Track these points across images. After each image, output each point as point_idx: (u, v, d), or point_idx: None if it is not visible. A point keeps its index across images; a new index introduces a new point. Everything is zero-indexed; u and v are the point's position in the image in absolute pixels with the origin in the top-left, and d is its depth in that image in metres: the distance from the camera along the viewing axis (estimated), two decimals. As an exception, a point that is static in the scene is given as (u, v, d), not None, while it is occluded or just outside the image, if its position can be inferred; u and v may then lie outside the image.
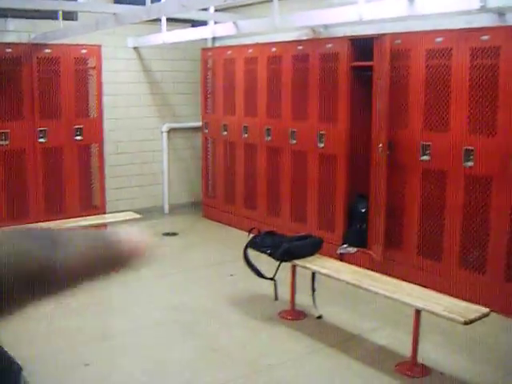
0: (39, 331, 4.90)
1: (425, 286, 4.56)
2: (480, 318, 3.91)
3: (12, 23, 7.58)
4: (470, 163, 5.25)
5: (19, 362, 1.50)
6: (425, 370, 4.20)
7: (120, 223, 7.50)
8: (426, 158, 5.58)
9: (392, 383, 4.07)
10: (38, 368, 4.23)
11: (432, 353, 4.44)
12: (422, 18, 5.57)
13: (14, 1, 6.33)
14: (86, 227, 6.70)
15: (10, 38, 7.50)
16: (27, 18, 7.63)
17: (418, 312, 4.13)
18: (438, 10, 4.98)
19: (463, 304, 4.07)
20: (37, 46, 7.29)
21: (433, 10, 5.01)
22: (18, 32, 7.61)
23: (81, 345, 4.65)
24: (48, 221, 6.90)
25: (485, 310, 4.01)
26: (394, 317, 5.09)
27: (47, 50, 7.34)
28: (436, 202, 5.58)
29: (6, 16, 7.50)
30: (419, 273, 5.68)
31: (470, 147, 5.23)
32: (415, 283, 4.62)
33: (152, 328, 5.02)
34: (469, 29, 5.30)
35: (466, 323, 3.82)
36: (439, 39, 5.39)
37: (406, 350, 4.32)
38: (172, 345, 4.71)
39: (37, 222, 6.99)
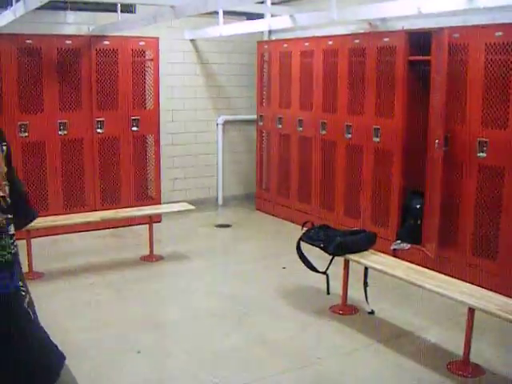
0: (95, 318, 5.01)
1: (479, 285, 4.48)
2: (535, 319, 3.84)
3: (72, 16, 7.72)
4: (529, 161, 5.15)
5: (63, 352, 1.61)
6: (477, 370, 4.14)
7: (175, 214, 7.60)
8: (482, 154, 5.49)
9: (443, 382, 4.03)
10: (91, 353, 4.34)
11: (485, 352, 4.37)
12: (481, 11, 5.46)
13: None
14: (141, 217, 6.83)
15: (70, 31, 7.65)
16: (86, 10, 7.77)
17: (471, 310, 4.07)
18: (498, 3, 4.88)
19: (518, 304, 4.00)
20: (95, 38, 7.41)
21: (493, 4, 4.90)
22: (77, 24, 7.75)
23: (133, 332, 4.73)
24: (104, 210, 7.04)
25: (540, 310, 3.93)
26: (446, 315, 5.04)
27: (106, 42, 7.46)
28: (492, 199, 5.48)
29: (65, 9, 7.64)
30: (473, 271, 5.59)
31: (529, 144, 5.13)
32: (469, 282, 4.55)
33: (203, 318, 5.07)
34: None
35: (520, 323, 3.75)
36: (499, 33, 5.27)
37: (458, 349, 4.27)
38: (222, 335, 4.75)
39: (93, 210, 7.14)
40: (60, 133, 7.28)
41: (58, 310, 5.08)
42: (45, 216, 6.22)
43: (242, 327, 4.93)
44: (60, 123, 7.26)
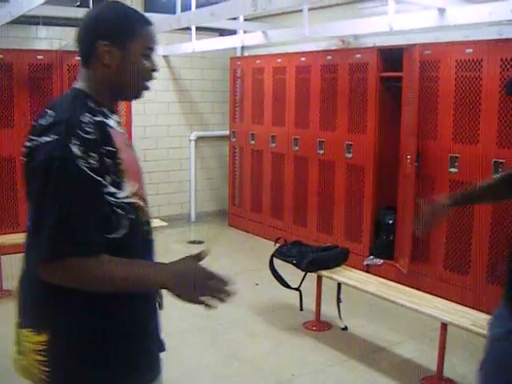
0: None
1: (451, 300, 4.50)
2: (508, 334, 3.85)
3: (43, 31, 7.68)
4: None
5: None
6: (451, 385, 4.15)
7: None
8: (454, 170, 5.53)
9: (417, 397, 4.03)
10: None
11: (458, 367, 4.38)
12: (452, 28, 5.53)
13: (45, 8, 6.40)
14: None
15: (42, 45, 7.60)
16: (58, 25, 7.72)
17: (444, 326, 4.08)
18: (468, 20, 4.95)
19: (491, 318, 4.01)
20: (67, 54, 7.35)
21: (463, 21, 4.97)
22: (49, 39, 7.71)
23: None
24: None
25: (513, 325, 3.94)
26: (420, 330, 5.05)
27: (77, 58, 7.38)
28: (464, 215, 5.52)
29: (37, 23, 7.60)
30: (446, 286, 5.62)
31: (499, 160, 5.17)
32: (441, 296, 4.58)
33: (176, 335, 5.01)
34: (500, 40, 5.25)
35: (493, 338, 3.75)
36: (469, 50, 5.34)
37: (431, 364, 4.28)
38: (196, 353, 4.70)
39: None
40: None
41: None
42: (16, 233, 6.12)
43: (215, 344, 4.89)
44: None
